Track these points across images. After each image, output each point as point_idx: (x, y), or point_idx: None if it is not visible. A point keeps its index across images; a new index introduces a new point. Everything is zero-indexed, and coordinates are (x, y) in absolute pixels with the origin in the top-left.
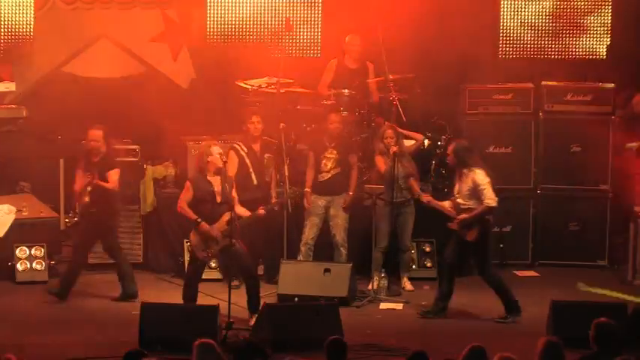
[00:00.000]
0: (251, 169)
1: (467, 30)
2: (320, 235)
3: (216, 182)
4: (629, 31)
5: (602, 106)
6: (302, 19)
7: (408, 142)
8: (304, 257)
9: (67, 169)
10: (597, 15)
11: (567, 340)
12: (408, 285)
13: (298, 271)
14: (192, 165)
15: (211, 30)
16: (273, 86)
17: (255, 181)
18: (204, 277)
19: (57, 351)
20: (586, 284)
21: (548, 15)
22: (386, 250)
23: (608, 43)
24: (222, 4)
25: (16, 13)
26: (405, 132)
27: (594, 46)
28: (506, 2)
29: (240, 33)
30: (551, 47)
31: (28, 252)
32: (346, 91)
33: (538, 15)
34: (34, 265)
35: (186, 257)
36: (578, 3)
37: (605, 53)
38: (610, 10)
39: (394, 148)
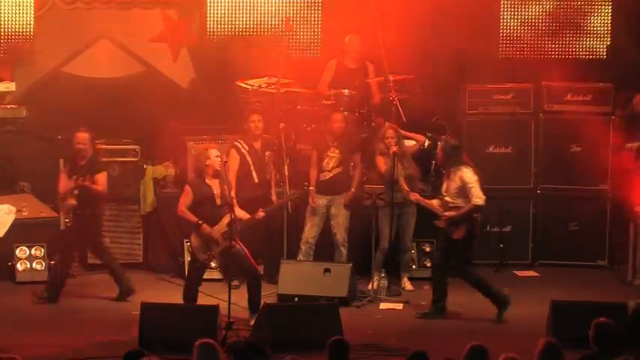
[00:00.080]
0: (252, 167)
1: (467, 30)
2: (321, 235)
3: (215, 185)
4: (629, 31)
5: (602, 106)
6: (302, 19)
7: (409, 143)
8: (304, 256)
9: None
10: (597, 15)
11: (567, 340)
12: (408, 285)
13: (298, 271)
14: (192, 165)
15: (211, 30)
16: (273, 86)
17: (256, 179)
18: (204, 277)
19: (57, 351)
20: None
21: (548, 15)
22: (387, 251)
23: (608, 43)
24: (222, 4)
25: (16, 13)
26: (406, 133)
27: (594, 46)
28: (506, 2)
29: (240, 33)
30: (551, 47)
31: (28, 252)
32: (346, 91)
33: (538, 15)
34: (34, 265)
35: (187, 257)
36: (578, 3)
37: (605, 53)
38: (610, 10)
39: (394, 148)
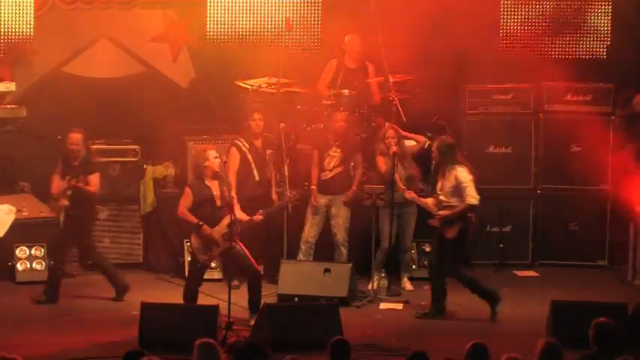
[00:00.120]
0: (253, 165)
1: (467, 30)
2: (321, 235)
3: (214, 186)
4: (629, 31)
5: (602, 106)
6: (302, 19)
7: (409, 143)
8: (304, 256)
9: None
10: (597, 15)
11: (567, 340)
12: (408, 285)
13: (298, 271)
14: (191, 165)
15: (211, 30)
16: (273, 86)
17: (257, 177)
18: (204, 277)
19: (57, 351)
20: None
21: (549, 15)
22: (387, 251)
23: (608, 43)
24: (222, 4)
25: (16, 13)
26: (406, 134)
27: (594, 46)
28: (506, 2)
29: (241, 33)
30: (551, 47)
31: (28, 252)
32: (346, 91)
33: (538, 15)
34: (34, 265)
35: (187, 257)
36: (578, 3)
37: (605, 53)
38: (610, 10)
39: (394, 149)
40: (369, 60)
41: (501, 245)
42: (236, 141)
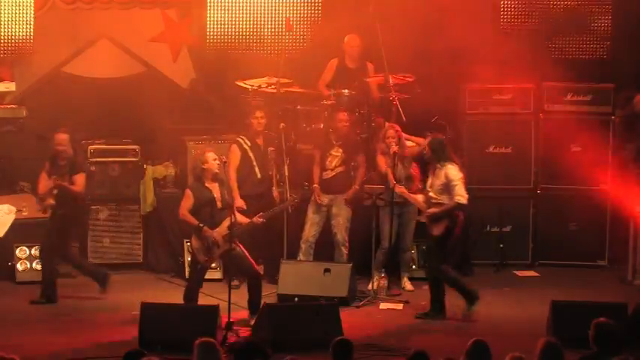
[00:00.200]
0: (254, 163)
1: (467, 30)
2: (321, 234)
3: (215, 188)
4: (629, 31)
5: (602, 106)
6: (302, 19)
7: (409, 144)
8: (304, 255)
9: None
10: (598, 15)
11: (567, 340)
12: (408, 285)
13: (298, 271)
14: (191, 166)
15: (211, 30)
16: (273, 86)
17: (258, 175)
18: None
19: (57, 351)
20: None
21: (549, 15)
22: (388, 251)
23: (608, 43)
24: (223, 4)
25: (16, 13)
26: (407, 136)
27: (594, 46)
28: (506, 2)
29: (241, 33)
30: (551, 47)
31: (28, 252)
32: (346, 91)
33: (538, 15)
34: (34, 265)
35: (187, 257)
36: (579, 3)
37: (605, 53)
38: (610, 10)
39: (394, 148)
40: (369, 60)
41: (501, 245)
42: (237, 138)
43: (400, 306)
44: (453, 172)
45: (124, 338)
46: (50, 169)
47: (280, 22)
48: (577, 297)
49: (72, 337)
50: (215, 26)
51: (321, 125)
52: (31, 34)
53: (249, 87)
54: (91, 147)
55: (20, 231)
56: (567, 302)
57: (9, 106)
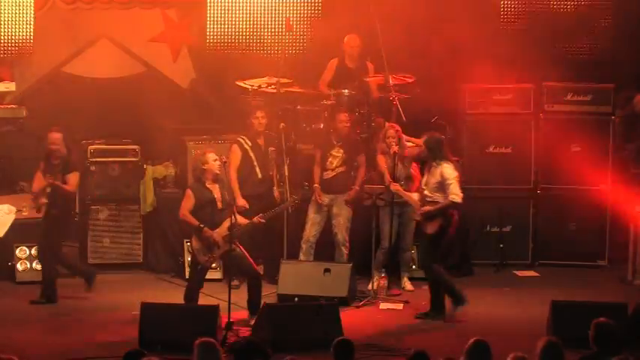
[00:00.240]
0: (255, 163)
1: (467, 30)
2: (321, 234)
3: (215, 189)
4: (629, 31)
5: (602, 106)
6: (302, 19)
7: (410, 144)
8: (305, 255)
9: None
10: (598, 15)
11: (567, 340)
12: (408, 285)
13: (298, 271)
14: (191, 168)
15: (211, 30)
16: (273, 86)
17: (259, 175)
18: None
19: (57, 351)
20: None
21: (549, 15)
22: (388, 251)
23: (609, 43)
24: (223, 4)
25: (16, 13)
26: (408, 138)
27: (594, 46)
28: (506, 2)
29: (241, 33)
30: (551, 47)
31: (28, 252)
32: (346, 91)
33: (538, 15)
34: (34, 265)
35: (187, 257)
36: (579, 3)
37: (605, 53)
38: (610, 10)
39: (395, 148)
40: (369, 60)
41: (501, 245)
42: (238, 138)
43: (400, 306)
44: (448, 170)
45: (124, 338)
46: (45, 169)
47: (280, 22)
48: (577, 297)
49: (72, 337)
50: (215, 26)
51: (321, 125)
52: (31, 34)
53: (249, 87)
54: (91, 147)
55: (20, 231)
56: (567, 302)
57: (9, 106)
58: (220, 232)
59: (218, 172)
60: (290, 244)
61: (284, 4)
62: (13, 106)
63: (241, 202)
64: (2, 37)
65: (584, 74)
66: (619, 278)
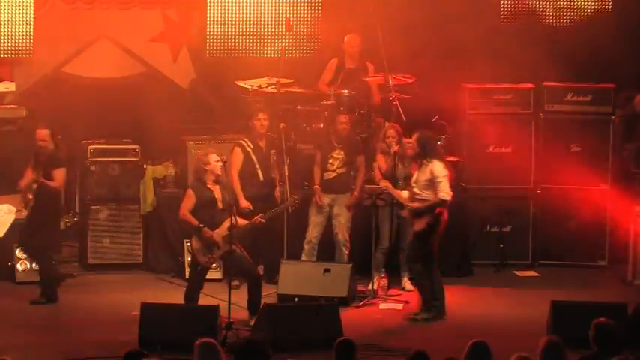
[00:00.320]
0: (257, 166)
1: (467, 29)
2: (322, 234)
3: (216, 190)
4: (629, 31)
5: (602, 106)
6: (302, 19)
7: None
8: (307, 256)
9: (67, 169)
10: (597, 15)
11: (567, 340)
12: (408, 285)
13: (298, 271)
14: (192, 166)
15: (211, 30)
16: (272, 86)
17: (261, 178)
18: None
19: (57, 351)
20: None
21: (549, 15)
22: (387, 251)
23: (609, 42)
24: (223, 4)
25: (16, 13)
26: (407, 140)
27: (595, 46)
28: (505, 2)
29: (241, 32)
30: (550, 47)
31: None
32: (346, 91)
33: (538, 14)
34: (34, 265)
35: (187, 257)
36: (578, 2)
37: (606, 52)
38: (610, 9)
39: (395, 148)
40: (369, 60)
41: (501, 245)
42: (240, 141)
43: (400, 306)
44: (438, 168)
45: (124, 338)
46: (33, 165)
47: (280, 22)
48: (577, 297)
49: (72, 337)
50: (215, 26)
51: (321, 125)
52: (31, 34)
53: (249, 87)
54: (91, 147)
55: (20, 231)
56: (567, 302)
57: (9, 106)
58: (220, 232)
59: (220, 172)
60: (290, 245)
61: (284, 4)
62: (13, 106)
63: (245, 204)
64: (2, 37)
65: (584, 74)
66: (619, 278)
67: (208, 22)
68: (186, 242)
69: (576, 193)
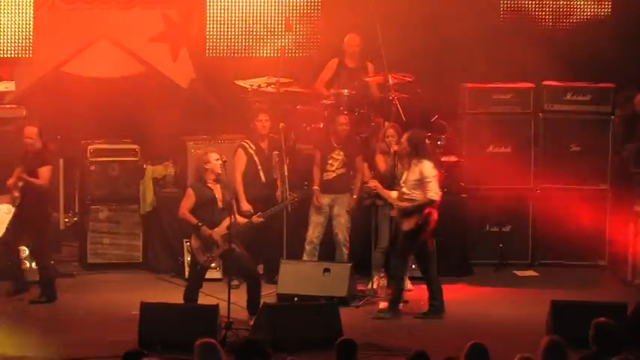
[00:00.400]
0: (259, 167)
1: (467, 29)
2: (323, 234)
3: (216, 189)
4: (629, 31)
5: (602, 106)
6: (301, 18)
7: None
8: (308, 256)
9: (67, 169)
10: (597, 14)
11: (567, 340)
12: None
13: (298, 271)
14: (192, 165)
15: (211, 30)
16: (272, 86)
17: (263, 179)
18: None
19: (57, 351)
20: None
21: (548, 14)
22: (387, 251)
23: (609, 42)
24: (222, 4)
25: (16, 13)
26: None
27: (594, 46)
28: (505, 2)
29: (241, 32)
30: (550, 47)
31: (28, 252)
32: (346, 91)
33: (538, 14)
34: (34, 265)
35: (187, 257)
36: (578, 2)
37: (605, 52)
38: (610, 8)
39: (395, 147)
40: (369, 60)
41: (501, 245)
42: (242, 142)
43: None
44: (428, 168)
45: (124, 338)
46: (21, 162)
47: (280, 22)
48: (577, 297)
49: (72, 337)
50: (215, 26)
51: (321, 125)
52: (31, 34)
53: (249, 86)
54: (90, 147)
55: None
56: (567, 302)
57: (9, 106)
58: (219, 231)
59: (220, 172)
60: (289, 244)
61: (284, 4)
62: (13, 106)
63: (246, 206)
64: (2, 37)
65: (583, 74)
66: (619, 278)
67: (208, 22)
68: (186, 242)
69: (576, 193)
